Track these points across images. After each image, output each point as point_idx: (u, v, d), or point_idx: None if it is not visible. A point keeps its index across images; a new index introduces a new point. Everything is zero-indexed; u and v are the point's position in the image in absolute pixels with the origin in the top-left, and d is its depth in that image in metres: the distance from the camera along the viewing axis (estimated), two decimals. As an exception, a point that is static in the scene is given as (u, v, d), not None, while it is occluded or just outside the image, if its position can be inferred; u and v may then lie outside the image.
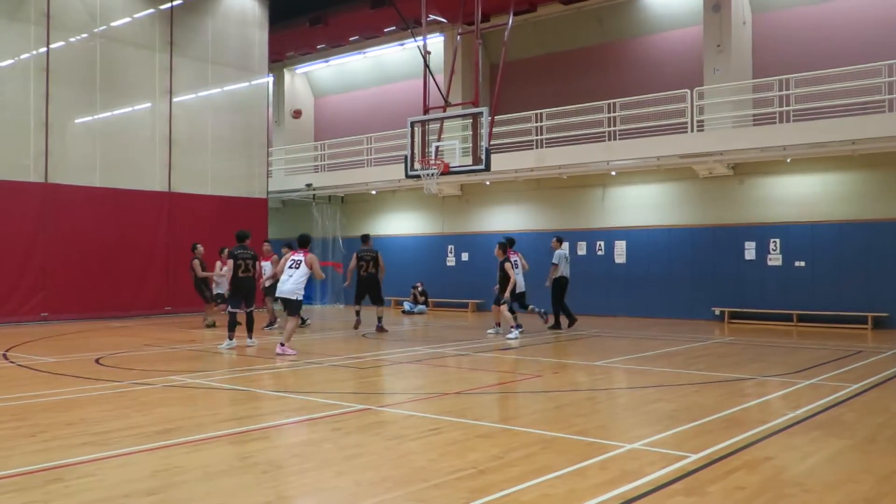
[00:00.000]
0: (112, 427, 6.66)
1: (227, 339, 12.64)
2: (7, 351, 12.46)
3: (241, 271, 12.76)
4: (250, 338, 13.05)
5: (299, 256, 11.99)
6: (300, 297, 11.99)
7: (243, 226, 21.63)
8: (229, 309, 12.97)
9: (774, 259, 17.82)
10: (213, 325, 16.35)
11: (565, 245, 17.17)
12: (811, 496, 4.70)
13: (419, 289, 22.51)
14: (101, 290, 19.10)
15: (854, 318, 16.56)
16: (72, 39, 19.27)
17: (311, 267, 11.91)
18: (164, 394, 8.58)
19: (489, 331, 15.35)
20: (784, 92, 17.15)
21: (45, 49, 18.49)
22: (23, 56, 18.43)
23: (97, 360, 11.19)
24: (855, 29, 18.26)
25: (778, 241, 17.76)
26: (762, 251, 17.97)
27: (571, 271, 16.86)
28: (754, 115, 18.13)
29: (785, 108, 17.21)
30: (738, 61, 19.04)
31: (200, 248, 16.83)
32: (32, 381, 9.43)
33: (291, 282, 11.90)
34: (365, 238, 16.43)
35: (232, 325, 12.67)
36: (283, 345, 11.88)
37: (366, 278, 15.62)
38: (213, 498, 4.67)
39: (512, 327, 14.48)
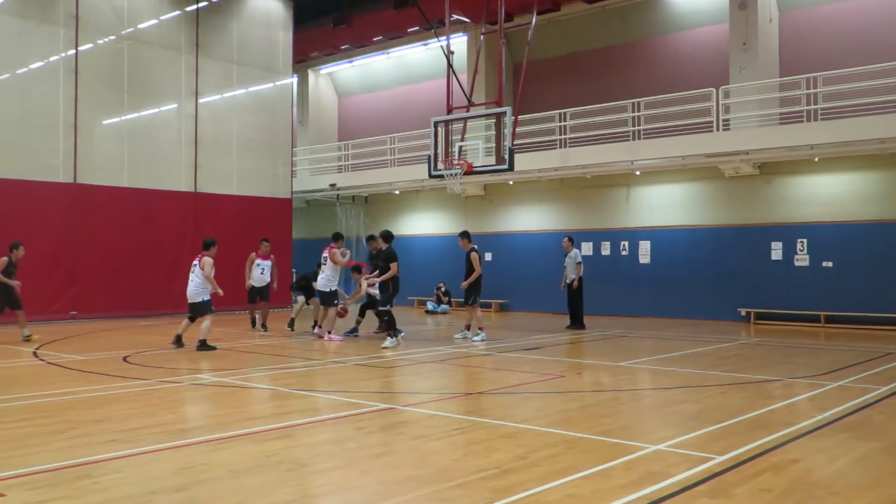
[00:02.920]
0: (139, 424, 6.73)
1: (388, 337, 13.05)
2: (37, 349, 12.66)
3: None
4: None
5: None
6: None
7: (269, 225, 22.10)
8: (384, 307, 13.37)
9: (801, 259, 17.61)
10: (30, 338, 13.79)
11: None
12: (839, 499, 4.64)
13: (442, 289, 22.56)
14: (128, 289, 19.32)
15: (883, 320, 16.31)
16: (100, 41, 19.52)
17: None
18: (191, 392, 8.67)
19: (456, 335, 14.43)
20: (812, 90, 16.94)
21: (73, 51, 18.74)
22: (52, 58, 18.69)
23: (125, 358, 11.33)
24: (883, 26, 17.97)
25: (805, 241, 17.55)
26: (789, 251, 17.76)
27: (593, 271, 16.80)
28: (781, 114, 17.92)
29: (812, 107, 16.99)
30: (764, 59, 18.81)
31: (22, 248, 13.89)
32: (61, 379, 9.57)
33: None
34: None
35: (393, 323, 13.29)
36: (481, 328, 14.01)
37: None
38: (238, 496, 4.71)
39: (480, 329, 14.03)
